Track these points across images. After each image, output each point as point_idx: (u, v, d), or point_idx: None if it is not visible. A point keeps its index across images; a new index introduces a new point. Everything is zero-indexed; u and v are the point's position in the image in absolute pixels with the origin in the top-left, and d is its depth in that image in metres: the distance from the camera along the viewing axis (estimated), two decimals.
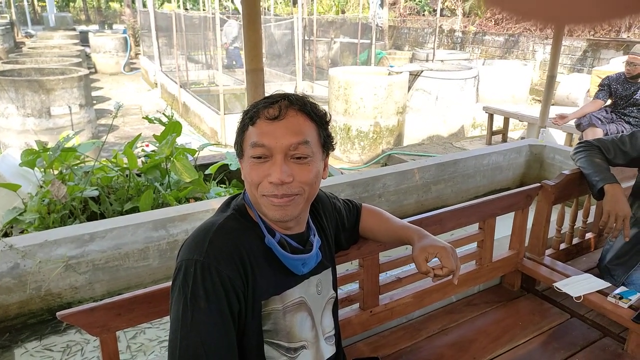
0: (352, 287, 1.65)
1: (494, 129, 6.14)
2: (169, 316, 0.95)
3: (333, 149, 1.07)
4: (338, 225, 1.27)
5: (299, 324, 1.05)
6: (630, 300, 1.69)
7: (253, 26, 2.48)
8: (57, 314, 1.08)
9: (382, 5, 14.74)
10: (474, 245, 1.92)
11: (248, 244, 0.99)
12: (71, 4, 32.57)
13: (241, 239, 0.98)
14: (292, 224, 1.05)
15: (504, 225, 2.04)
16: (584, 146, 2.01)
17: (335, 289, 1.20)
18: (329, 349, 1.14)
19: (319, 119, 1.02)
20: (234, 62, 11.98)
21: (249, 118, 0.99)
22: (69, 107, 5.54)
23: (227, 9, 19.09)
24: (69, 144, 3.35)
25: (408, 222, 1.60)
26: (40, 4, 30.82)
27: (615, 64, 7.27)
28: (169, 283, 0.97)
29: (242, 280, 0.95)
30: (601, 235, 2.32)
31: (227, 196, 1.14)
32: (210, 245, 0.94)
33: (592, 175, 1.91)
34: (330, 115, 1.07)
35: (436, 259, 1.14)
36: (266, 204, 0.98)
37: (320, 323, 1.12)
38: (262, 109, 0.98)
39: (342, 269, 1.61)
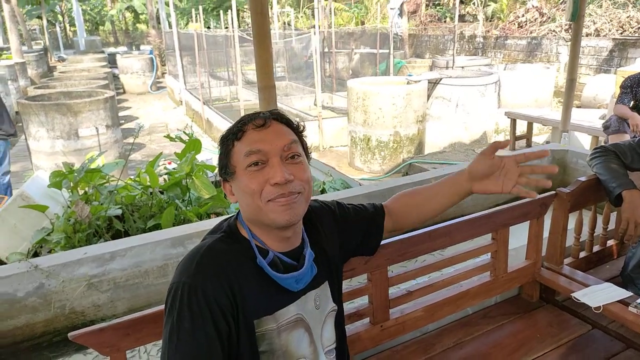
0: (362, 301, 1.65)
1: (518, 133, 6.04)
2: None
3: (310, 159, 1.11)
4: (344, 229, 1.24)
5: (296, 342, 1.05)
6: None
7: (263, 45, 2.53)
8: (69, 334, 1.13)
9: (401, 14, 14.76)
10: (488, 256, 1.89)
11: (238, 264, 1.00)
12: (100, 28, 33.83)
13: (230, 260, 0.99)
14: (291, 234, 1.05)
15: (522, 234, 2.01)
16: (600, 151, 1.97)
17: (337, 301, 1.18)
18: None
19: (296, 129, 1.08)
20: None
21: (233, 136, 1.02)
22: (96, 128, 5.74)
23: (249, 26, 19.47)
24: (94, 164, 3.48)
25: (415, 235, 1.61)
26: (71, 29, 32.12)
27: None
28: None
29: (230, 301, 0.96)
30: (624, 243, 2.25)
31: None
32: (197, 267, 0.96)
33: (609, 182, 1.86)
34: (303, 126, 1.11)
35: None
36: (273, 209, 0.99)
37: (320, 337, 1.11)
38: (247, 123, 1.02)
39: (350, 283, 1.61)
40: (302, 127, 1.10)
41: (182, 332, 0.92)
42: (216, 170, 3.74)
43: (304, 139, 1.10)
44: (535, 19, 14.07)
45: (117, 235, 3.09)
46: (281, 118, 1.06)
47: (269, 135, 1.01)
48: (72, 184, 3.25)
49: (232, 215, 1.11)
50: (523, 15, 14.51)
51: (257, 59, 2.56)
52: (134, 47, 25.86)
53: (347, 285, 1.57)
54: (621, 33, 11.24)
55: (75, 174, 3.21)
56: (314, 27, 13.95)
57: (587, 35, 11.03)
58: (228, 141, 1.04)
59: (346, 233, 1.24)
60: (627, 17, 11.64)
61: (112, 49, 23.96)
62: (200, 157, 3.79)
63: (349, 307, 1.60)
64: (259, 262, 1.01)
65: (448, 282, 1.76)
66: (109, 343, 1.17)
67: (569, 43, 11.03)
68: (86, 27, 28.46)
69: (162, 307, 1.20)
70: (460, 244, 1.79)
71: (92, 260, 2.26)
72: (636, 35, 10.89)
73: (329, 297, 1.16)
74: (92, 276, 2.26)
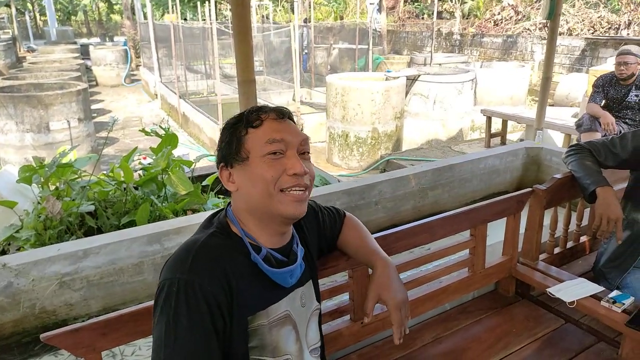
0: (342, 298, 1.65)
1: (493, 131, 6.13)
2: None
3: None
4: (320, 234, 1.27)
5: (284, 338, 1.05)
6: (624, 304, 1.67)
7: (244, 38, 2.50)
8: (41, 336, 1.08)
9: (379, 10, 14.79)
10: (466, 252, 1.91)
11: (232, 260, 0.99)
12: (72, 18, 32.87)
13: (224, 256, 0.98)
14: (287, 229, 1.07)
15: (499, 231, 2.04)
16: (575, 149, 2.01)
17: (319, 300, 1.20)
18: None
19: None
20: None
21: (248, 124, 1.02)
22: (68, 121, 5.58)
23: (227, 18, 19.22)
24: (66, 159, 3.37)
25: (395, 231, 1.62)
26: (42, 18, 31.13)
27: (612, 63, 7.25)
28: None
29: (226, 296, 0.95)
30: (596, 238, 2.31)
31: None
32: (192, 263, 0.94)
33: (584, 179, 1.90)
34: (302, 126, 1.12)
35: None
36: (285, 200, 0.99)
37: (305, 336, 1.12)
38: (265, 112, 1.04)
39: (331, 280, 1.60)
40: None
41: (179, 329, 0.90)
42: (193, 166, 3.71)
43: None
44: (511, 17, 14.31)
45: (89, 232, 3.01)
46: (291, 116, 1.08)
47: (288, 128, 1.03)
48: (42, 179, 3.15)
49: (221, 211, 1.09)
50: (499, 13, 14.73)
51: (237, 52, 2.52)
52: (107, 39, 25.22)
53: (328, 282, 1.56)
54: (592, 33, 11.54)
55: (46, 169, 3.11)
56: (305, 20, 13.87)
57: (560, 35, 11.27)
58: (239, 127, 1.03)
59: (321, 236, 1.27)
60: (598, 17, 11.95)
61: (84, 40, 23.29)
62: (176, 152, 3.72)
63: (329, 304, 1.60)
64: (254, 258, 1.01)
65: (428, 278, 1.78)
66: (84, 344, 1.13)
67: (543, 42, 11.27)
68: (57, 17, 27.62)
69: (141, 305, 1.18)
70: (439, 241, 1.80)
71: (64, 258, 2.20)
72: (606, 35, 11.18)
73: (313, 295, 1.17)
74: (64, 274, 2.19)
